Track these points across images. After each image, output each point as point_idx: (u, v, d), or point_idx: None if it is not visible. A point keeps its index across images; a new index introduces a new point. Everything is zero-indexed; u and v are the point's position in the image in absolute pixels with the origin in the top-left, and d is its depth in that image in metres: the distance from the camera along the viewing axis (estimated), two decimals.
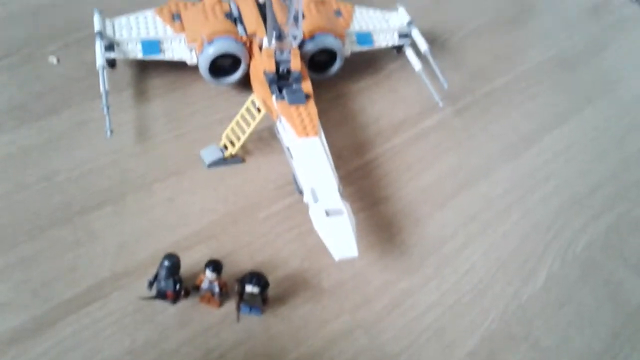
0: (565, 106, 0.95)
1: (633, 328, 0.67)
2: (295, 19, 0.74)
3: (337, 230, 0.60)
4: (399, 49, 0.95)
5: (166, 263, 0.59)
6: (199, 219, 0.70)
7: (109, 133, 0.72)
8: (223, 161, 0.76)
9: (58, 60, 0.87)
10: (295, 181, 0.72)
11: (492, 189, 0.79)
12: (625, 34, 1.14)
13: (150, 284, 0.61)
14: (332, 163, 0.68)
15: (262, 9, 0.84)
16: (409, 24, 0.92)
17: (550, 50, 1.06)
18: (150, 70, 0.87)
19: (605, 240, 0.75)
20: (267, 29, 0.76)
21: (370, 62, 0.95)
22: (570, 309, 0.67)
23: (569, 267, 0.72)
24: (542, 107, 0.94)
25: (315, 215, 0.62)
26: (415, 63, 0.90)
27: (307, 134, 0.70)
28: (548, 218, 0.77)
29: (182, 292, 0.61)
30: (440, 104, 0.85)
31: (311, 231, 0.67)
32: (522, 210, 0.78)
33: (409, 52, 0.92)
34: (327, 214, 0.62)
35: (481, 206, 0.77)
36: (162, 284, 0.60)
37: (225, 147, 0.76)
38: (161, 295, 0.61)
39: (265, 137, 0.80)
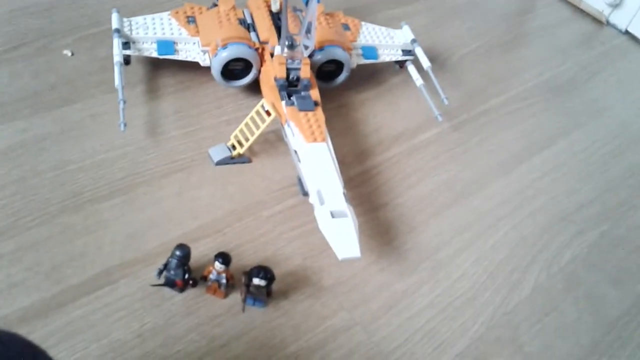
0: (555, 128, 0.99)
1: (612, 338, 0.71)
2: (308, 30, 0.77)
3: (341, 232, 0.63)
4: (401, 64, 0.99)
5: (178, 252, 0.62)
6: (205, 214, 0.73)
7: (122, 126, 0.74)
8: (230, 160, 0.79)
9: (72, 53, 0.90)
10: (300, 183, 0.76)
11: (484, 202, 0.83)
12: (615, 64, 1.19)
13: (160, 272, 0.63)
14: (337, 168, 0.71)
15: (274, 17, 0.88)
16: (413, 41, 0.96)
17: (543, 75, 1.11)
18: (163, 69, 0.90)
19: (588, 256, 0.80)
20: (281, 38, 0.79)
21: (373, 75, 0.99)
22: (554, 318, 0.71)
23: (553, 279, 0.76)
24: (533, 128, 0.98)
25: (321, 216, 0.65)
26: (417, 78, 0.94)
27: (315, 139, 0.73)
28: (535, 232, 0.81)
29: (190, 282, 0.63)
30: (440, 119, 0.88)
31: (313, 231, 0.71)
32: (511, 224, 0.81)
33: (411, 68, 0.96)
34: (332, 215, 0.65)
35: (473, 218, 0.81)
36: (172, 272, 0.62)
37: (234, 147, 0.79)
38: (170, 283, 0.63)
39: (272, 140, 0.83)
